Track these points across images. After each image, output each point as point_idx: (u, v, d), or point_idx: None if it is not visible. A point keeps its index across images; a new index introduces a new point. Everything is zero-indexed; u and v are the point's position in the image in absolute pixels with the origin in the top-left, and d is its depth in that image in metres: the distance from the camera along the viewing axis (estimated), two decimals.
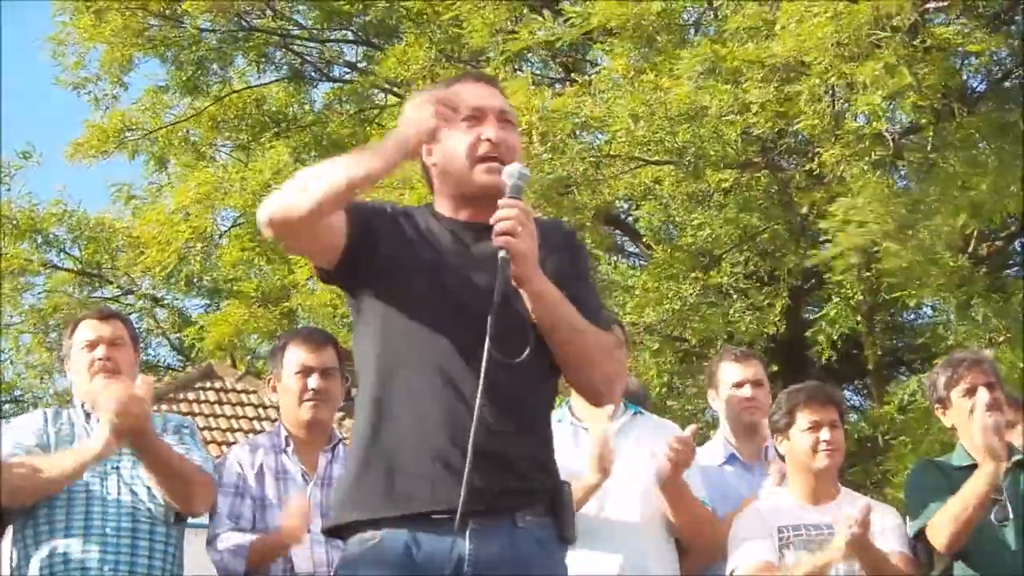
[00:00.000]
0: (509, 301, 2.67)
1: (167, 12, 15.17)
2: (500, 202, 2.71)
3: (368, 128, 14.64)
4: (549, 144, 10.45)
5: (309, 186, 2.66)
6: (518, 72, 12.69)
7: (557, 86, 13.33)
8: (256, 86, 16.54)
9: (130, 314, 16.05)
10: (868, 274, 10.20)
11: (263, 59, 16.38)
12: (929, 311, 13.41)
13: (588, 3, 11.15)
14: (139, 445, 3.90)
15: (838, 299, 11.12)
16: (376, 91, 15.48)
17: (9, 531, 4.10)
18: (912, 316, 13.97)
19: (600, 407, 4.02)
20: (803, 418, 4.22)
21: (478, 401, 2.60)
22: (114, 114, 15.97)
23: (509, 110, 2.91)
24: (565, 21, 11.32)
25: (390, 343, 2.77)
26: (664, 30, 11.08)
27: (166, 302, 18.84)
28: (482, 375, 2.61)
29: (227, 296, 16.70)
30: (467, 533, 2.63)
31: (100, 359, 4.09)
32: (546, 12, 11.69)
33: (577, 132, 10.87)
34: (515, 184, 2.74)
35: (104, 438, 3.80)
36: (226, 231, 15.63)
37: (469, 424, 2.60)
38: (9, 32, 38.06)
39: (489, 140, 2.82)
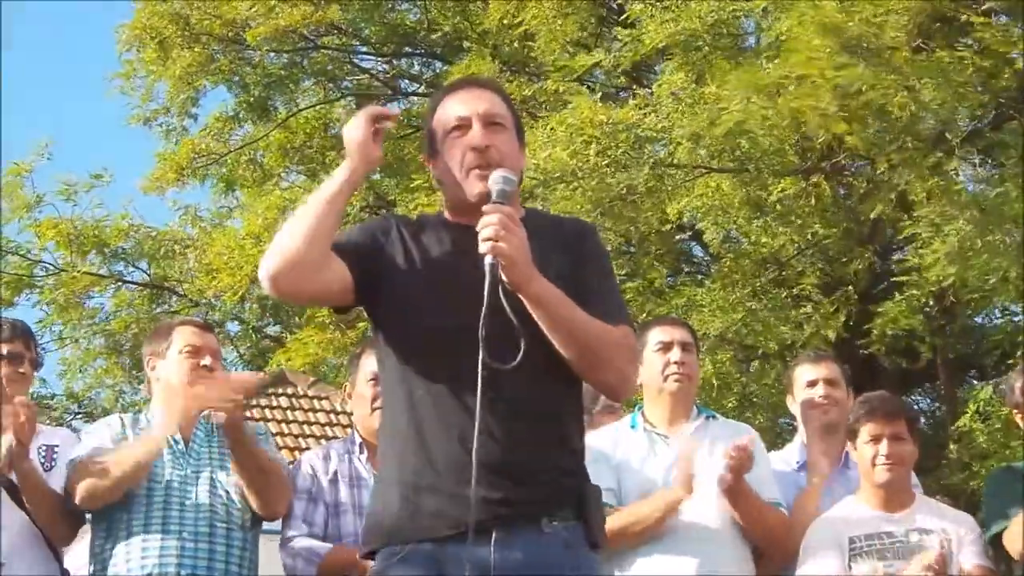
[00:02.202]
0: (501, 308, 2.64)
1: (231, 35, 15.31)
2: (484, 208, 2.71)
3: None
4: (612, 157, 10.46)
5: (293, 228, 2.75)
6: (583, 86, 12.72)
7: (623, 93, 13.32)
8: (323, 103, 16.64)
9: None
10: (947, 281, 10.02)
11: (329, 79, 16.49)
12: (998, 312, 13.24)
13: (640, 27, 11.15)
14: (235, 439, 3.98)
15: (901, 298, 10.97)
16: None
17: (88, 533, 4.18)
18: (983, 319, 13.80)
19: (617, 402, 4.04)
20: (865, 430, 4.20)
21: (478, 414, 2.59)
22: (184, 144, 16.18)
23: (498, 111, 2.90)
24: (622, 46, 11.34)
25: (403, 361, 2.80)
26: (717, 40, 11.03)
27: (239, 316, 18.97)
28: (479, 387, 2.60)
29: (299, 317, 16.83)
30: (491, 543, 2.65)
31: (206, 366, 4.15)
32: (597, 48, 11.71)
33: (638, 145, 10.85)
34: (500, 189, 2.74)
35: (164, 433, 3.97)
36: None
37: (483, 443, 2.61)
38: (74, 48, 38.84)
39: (475, 149, 2.83)
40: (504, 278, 2.65)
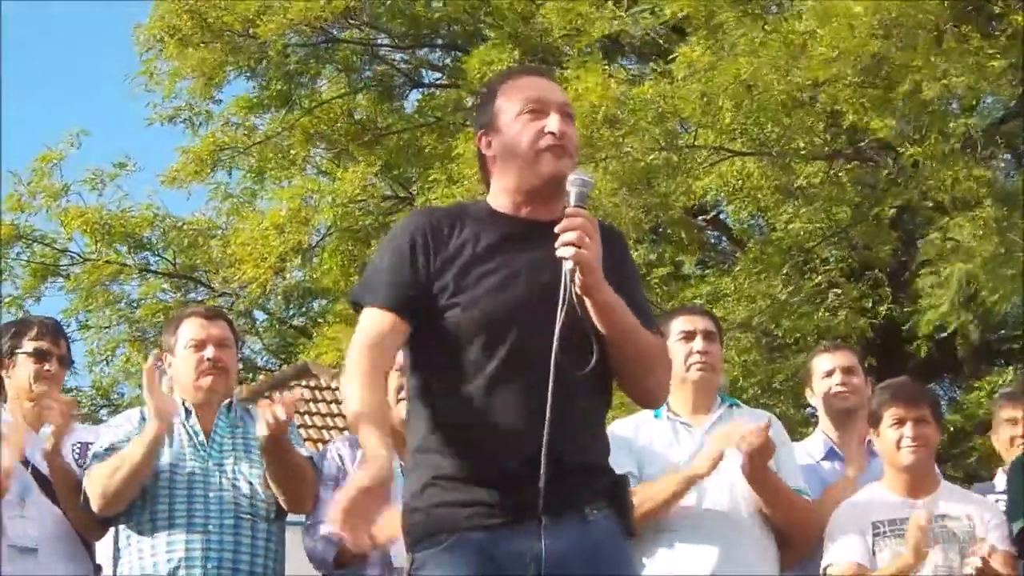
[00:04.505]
0: (573, 310, 2.68)
1: (248, 31, 15.33)
2: (566, 211, 2.72)
3: (453, 141, 14.00)
4: (626, 129, 10.40)
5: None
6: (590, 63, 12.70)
7: (645, 68, 13.28)
8: (345, 95, 16.66)
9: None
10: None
11: (351, 70, 16.53)
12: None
13: None
14: (277, 453, 3.98)
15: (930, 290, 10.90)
16: (466, 96, 15.49)
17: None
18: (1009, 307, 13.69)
19: (653, 409, 4.03)
20: (888, 415, 4.20)
21: (548, 412, 2.62)
22: (206, 138, 16.24)
23: (570, 104, 2.93)
24: (638, 12, 11.30)
25: (454, 353, 2.77)
26: (738, 13, 10.98)
27: (264, 307, 19.03)
28: (550, 389, 2.63)
29: (324, 301, 16.83)
30: (541, 531, 2.67)
31: (210, 359, 4.12)
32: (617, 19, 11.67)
33: (655, 120, 10.78)
34: (579, 192, 2.74)
35: (153, 426, 3.91)
36: (317, 243, 15.80)
37: (538, 433, 2.63)
38: (98, 32, 39.02)
39: (552, 132, 2.82)
40: (576, 283, 2.68)
